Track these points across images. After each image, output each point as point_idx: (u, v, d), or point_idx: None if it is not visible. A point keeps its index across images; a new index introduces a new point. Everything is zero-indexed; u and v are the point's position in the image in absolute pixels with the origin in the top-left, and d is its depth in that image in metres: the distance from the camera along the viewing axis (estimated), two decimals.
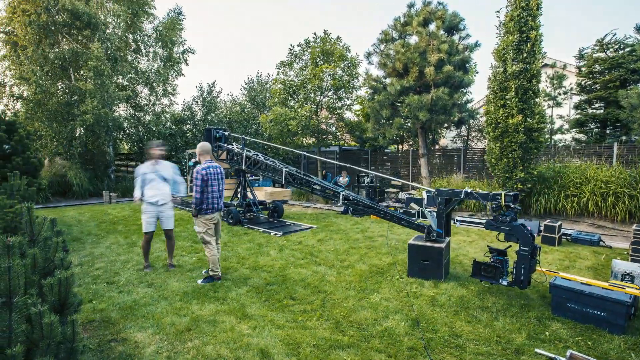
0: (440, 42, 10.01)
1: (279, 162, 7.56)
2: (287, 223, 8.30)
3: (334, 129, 14.96)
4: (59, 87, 13.33)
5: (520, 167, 7.99)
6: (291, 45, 15.61)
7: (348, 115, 15.33)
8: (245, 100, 19.63)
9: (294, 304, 3.79)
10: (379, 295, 4.00)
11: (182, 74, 16.53)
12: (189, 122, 17.59)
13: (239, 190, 9.03)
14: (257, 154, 8.01)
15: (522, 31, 7.64)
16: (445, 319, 3.41)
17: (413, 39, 10.94)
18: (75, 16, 12.26)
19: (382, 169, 15.47)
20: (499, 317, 3.45)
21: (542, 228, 6.54)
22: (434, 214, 4.70)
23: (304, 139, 14.97)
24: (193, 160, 14.90)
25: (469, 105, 11.66)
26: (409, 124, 11.63)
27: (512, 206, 3.85)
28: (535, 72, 7.67)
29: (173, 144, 16.62)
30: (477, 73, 14.33)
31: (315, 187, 6.50)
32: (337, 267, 5.00)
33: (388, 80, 11.45)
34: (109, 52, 13.18)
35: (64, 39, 13.16)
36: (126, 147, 17.24)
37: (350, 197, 5.64)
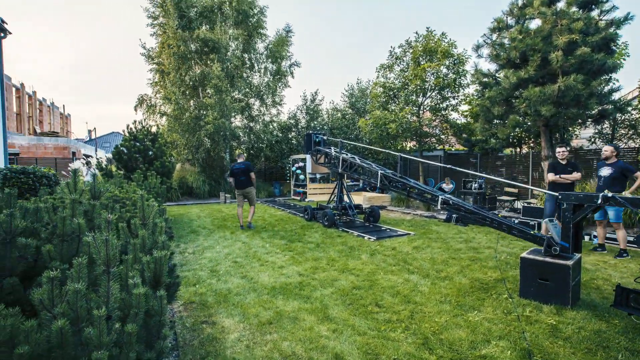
0: (572, 21, 8.32)
1: (375, 165, 7.33)
2: (382, 228, 7.97)
3: (437, 131, 13.92)
4: (191, 104, 15.86)
5: None
6: (391, 47, 15.14)
7: (454, 116, 14.07)
8: (346, 106, 19.96)
9: (379, 311, 3.51)
10: (481, 314, 3.39)
11: (289, 86, 17.73)
12: (293, 129, 18.75)
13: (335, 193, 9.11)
14: (353, 157, 7.94)
15: None
16: (571, 356, 2.65)
17: (534, 23, 9.40)
18: (205, 43, 14.48)
19: (494, 175, 13.67)
20: None
21: None
22: (557, 223, 3.81)
23: (404, 142, 14.33)
24: (296, 165, 15.83)
25: (615, 95, 9.36)
26: (527, 122, 9.99)
27: None
28: None
29: (279, 151, 17.91)
30: (628, 56, 11.42)
31: (411, 189, 6.05)
32: (432, 278, 4.49)
33: (501, 74, 10.07)
34: (228, 71, 15.10)
35: (196, 64, 15.63)
36: None
37: (450, 202, 5.04)
